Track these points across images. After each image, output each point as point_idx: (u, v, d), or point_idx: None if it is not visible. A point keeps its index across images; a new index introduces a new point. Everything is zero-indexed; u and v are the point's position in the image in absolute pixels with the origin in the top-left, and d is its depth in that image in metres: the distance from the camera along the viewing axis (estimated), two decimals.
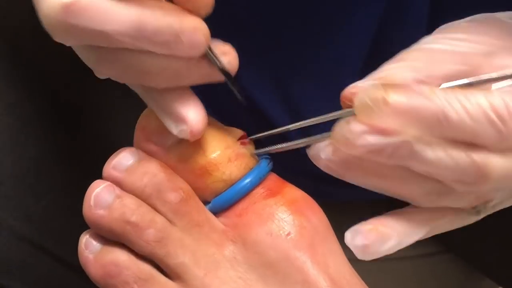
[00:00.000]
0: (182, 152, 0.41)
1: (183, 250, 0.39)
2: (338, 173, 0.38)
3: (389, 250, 0.38)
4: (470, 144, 0.35)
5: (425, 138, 0.35)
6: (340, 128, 0.36)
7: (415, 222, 0.39)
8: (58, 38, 0.36)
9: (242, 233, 0.40)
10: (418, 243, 0.76)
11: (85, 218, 0.40)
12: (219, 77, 0.39)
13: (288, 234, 0.40)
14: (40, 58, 0.63)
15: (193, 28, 0.36)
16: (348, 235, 0.38)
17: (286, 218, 0.41)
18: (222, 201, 0.41)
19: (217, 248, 0.40)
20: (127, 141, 0.65)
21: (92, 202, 0.40)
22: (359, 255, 0.38)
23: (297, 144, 0.40)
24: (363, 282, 0.41)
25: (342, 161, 0.37)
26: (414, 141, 0.35)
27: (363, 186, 0.39)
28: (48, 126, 0.62)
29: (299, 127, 0.41)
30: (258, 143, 0.43)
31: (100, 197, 0.40)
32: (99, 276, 0.40)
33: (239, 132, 0.43)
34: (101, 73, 0.39)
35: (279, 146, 0.42)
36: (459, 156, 0.35)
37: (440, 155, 0.35)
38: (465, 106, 0.34)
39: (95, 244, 0.41)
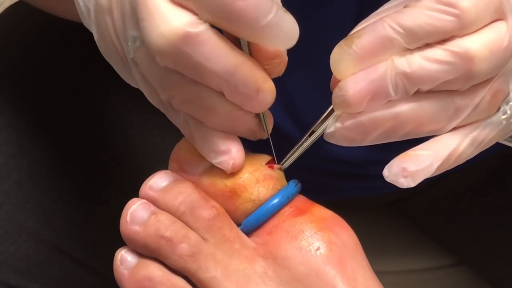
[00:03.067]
0: (211, 177, 0.43)
1: (215, 265, 0.41)
2: (357, 137, 0.40)
3: (428, 166, 0.40)
4: (440, 42, 0.38)
5: (400, 53, 0.38)
6: (335, 95, 0.40)
7: (446, 136, 0.41)
8: (160, 57, 0.39)
9: (272, 250, 0.42)
10: (434, 255, 0.78)
11: (121, 233, 0.42)
12: (261, 136, 0.43)
13: (318, 249, 0.42)
14: (53, 63, 0.64)
15: (271, 90, 0.40)
16: (386, 171, 0.41)
17: (315, 234, 0.42)
18: (252, 221, 0.43)
19: (248, 263, 0.42)
20: (143, 152, 0.67)
21: (128, 218, 0.42)
22: (404, 183, 0.40)
23: (313, 139, 0.43)
24: None
25: (354, 123, 0.40)
26: (396, 61, 0.38)
27: (385, 139, 0.41)
28: (65, 130, 0.63)
29: (315, 137, 0.43)
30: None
31: (136, 214, 0.42)
32: None
33: (267, 157, 0.45)
34: (167, 94, 0.41)
35: (299, 149, 0.44)
36: (437, 53, 0.38)
37: (420, 62, 0.38)
38: (415, 11, 0.38)
39: (129, 260, 0.42)
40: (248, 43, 0.40)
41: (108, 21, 0.43)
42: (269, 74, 0.40)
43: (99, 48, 0.45)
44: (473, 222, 0.74)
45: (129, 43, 0.41)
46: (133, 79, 0.44)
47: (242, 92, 0.39)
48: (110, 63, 0.45)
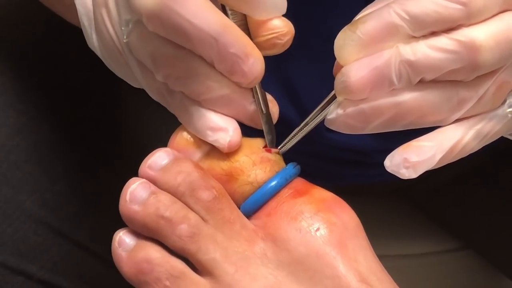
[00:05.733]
0: (208, 162, 0.44)
1: (215, 246, 0.42)
2: (358, 125, 0.41)
3: (431, 158, 0.41)
4: (448, 30, 0.38)
5: (405, 40, 0.39)
6: (337, 81, 0.40)
7: (450, 128, 0.41)
8: (147, 18, 0.40)
9: (271, 231, 0.43)
10: (438, 239, 0.78)
11: (120, 213, 0.43)
12: (260, 122, 0.44)
13: (317, 230, 0.42)
14: (56, 46, 0.65)
15: (260, 58, 0.40)
16: (387, 161, 0.41)
17: (315, 215, 0.43)
18: (251, 203, 0.44)
19: (248, 245, 0.42)
20: (142, 134, 0.68)
21: (127, 198, 0.43)
22: (405, 174, 0.41)
23: (314, 124, 0.44)
24: (392, 280, 0.42)
25: (355, 110, 0.41)
26: (401, 49, 0.39)
27: (387, 128, 0.41)
28: (63, 113, 0.64)
29: (316, 123, 0.44)
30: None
31: (135, 193, 0.43)
32: (131, 273, 0.42)
33: (263, 141, 0.46)
34: (162, 72, 0.42)
35: (298, 134, 0.45)
36: (442, 42, 0.38)
37: (424, 50, 0.38)
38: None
39: (128, 242, 0.43)
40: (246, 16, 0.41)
41: (104, 12, 0.44)
42: (274, 46, 0.41)
43: (102, 59, 0.46)
44: (479, 206, 0.75)
45: (122, 28, 0.42)
46: (133, 77, 0.45)
47: (231, 53, 0.40)
48: (116, 70, 0.46)
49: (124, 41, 0.42)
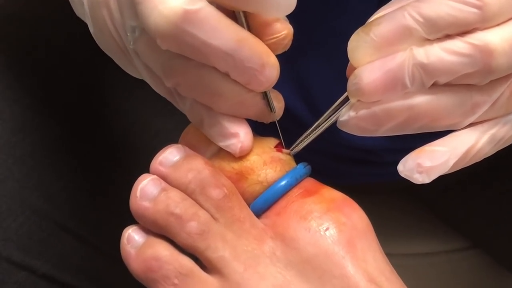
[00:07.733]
0: (219, 162, 0.45)
1: (224, 244, 0.42)
2: (370, 127, 0.41)
3: (444, 163, 0.41)
4: (462, 33, 0.39)
5: (419, 43, 0.39)
6: (350, 83, 0.41)
7: (464, 132, 0.42)
8: (161, 40, 0.40)
9: (281, 230, 0.43)
10: (446, 238, 0.79)
11: (131, 209, 0.44)
12: (269, 119, 0.45)
13: (327, 229, 0.43)
14: (62, 41, 0.66)
15: (275, 64, 0.41)
16: (400, 166, 0.42)
17: (325, 215, 0.43)
18: (261, 203, 0.44)
19: (257, 244, 0.43)
20: (149, 129, 0.68)
21: (138, 194, 0.43)
22: (418, 179, 0.41)
23: (326, 126, 0.44)
24: (401, 281, 0.43)
25: (368, 113, 0.41)
26: (414, 52, 0.39)
27: (399, 131, 0.41)
28: (69, 108, 0.64)
29: (328, 125, 0.44)
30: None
31: (146, 190, 0.43)
32: (140, 271, 0.43)
33: (275, 140, 0.46)
34: (172, 81, 0.43)
35: (310, 135, 0.45)
36: (456, 45, 0.38)
37: (438, 53, 0.39)
38: (437, 1, 0.38)
39: (137, 239, 0.44)
40: (248, 20, 0.41)
41: (105, 13, 0.44)
42: (275, 50, 0.42)
43: (96, 40, 0.46)
44: (487, 205, 0.75)
45: (128, 34, 0.42)
46: (134, 70, 0.45)
47: (248, 67, 0.40)
48: (109, 55, 0.46)
49: (131, 47, 0.43)
